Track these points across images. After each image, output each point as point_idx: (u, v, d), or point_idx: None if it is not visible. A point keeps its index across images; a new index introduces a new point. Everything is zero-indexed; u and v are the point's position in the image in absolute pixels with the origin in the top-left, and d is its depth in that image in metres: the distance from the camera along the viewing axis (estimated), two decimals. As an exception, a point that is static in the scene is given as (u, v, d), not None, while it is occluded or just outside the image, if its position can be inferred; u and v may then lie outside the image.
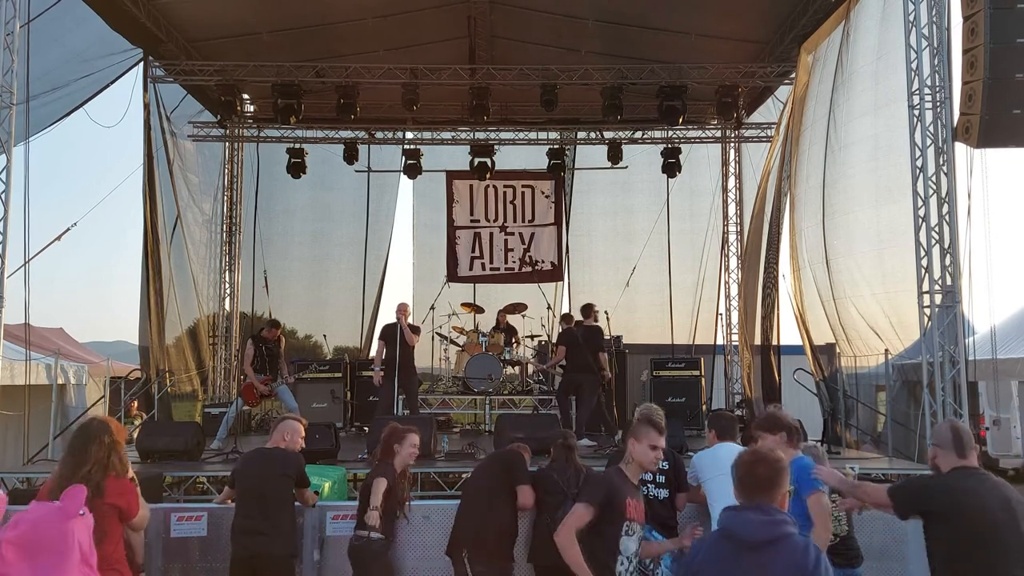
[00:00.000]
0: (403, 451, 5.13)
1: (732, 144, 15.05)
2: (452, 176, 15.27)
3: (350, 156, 14.46)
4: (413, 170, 14.61)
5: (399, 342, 9.24)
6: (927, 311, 8.13)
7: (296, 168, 14.22)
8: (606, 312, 10.68)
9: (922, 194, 8.13)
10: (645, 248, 15.30)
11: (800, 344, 11.35)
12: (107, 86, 10.76)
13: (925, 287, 8.14)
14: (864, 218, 10.06)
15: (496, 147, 14.69)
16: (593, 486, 3.86)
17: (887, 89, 9.46)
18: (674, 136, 14.70)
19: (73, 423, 8.88)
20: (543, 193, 15.30)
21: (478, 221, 15.31)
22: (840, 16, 10.44)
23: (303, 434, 5.27)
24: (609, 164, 14.70)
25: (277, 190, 15.23)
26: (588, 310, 9.93)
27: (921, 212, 8.15)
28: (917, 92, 8.18)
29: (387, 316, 10.75)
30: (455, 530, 5.04)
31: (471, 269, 15.21)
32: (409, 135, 15.24)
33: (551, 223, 15.30)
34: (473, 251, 15.24)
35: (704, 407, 11.92)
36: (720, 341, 15.14)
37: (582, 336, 9.59)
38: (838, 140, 10.53)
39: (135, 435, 8.86)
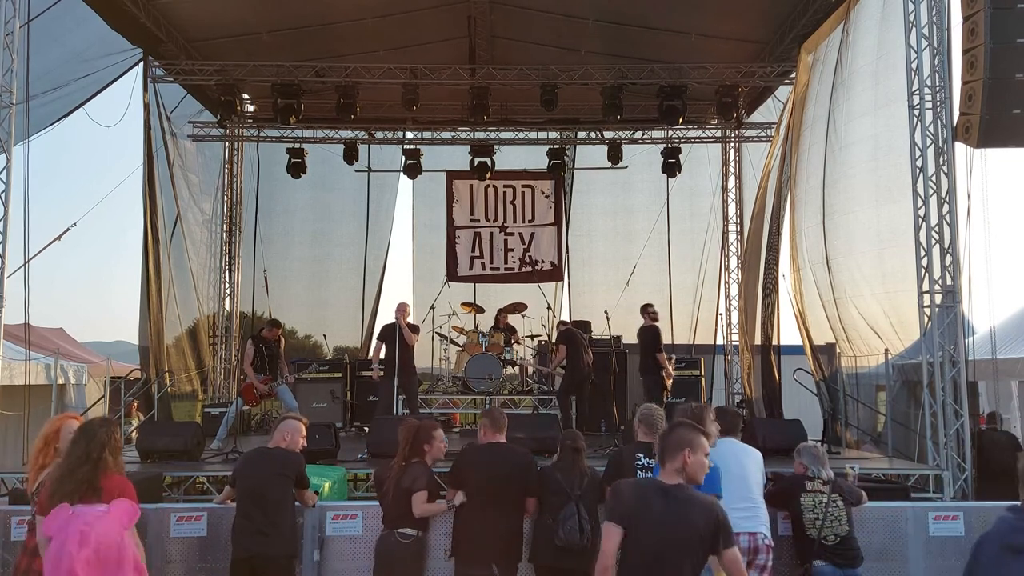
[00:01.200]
0: (433, 449, 5.13)
1: (732, 144, 15.06)
2: (452, 176, 15.27)
3: (350, 156, 14.46)
4: (413, 170, 14.61)
5: (399, 342, 9.24)
6: (927, 311, 8.13)
7: (296, 168, 14.22)
8: (606, 312, 10.69)
9: (922, 194, 8.12)
10: (645, 248, 15.30)
11: (800, 344, 11.35)
12: (107, 86, 10.76)
13: (925, 287, 8.14)
14: (864, 218, 10.06)
15: (496, 147, 14.69)
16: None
17: (887, 89, 9.45)
18: (674, 136, 14.69)
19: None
20: (543, 193, 15.30)
21: (478, 221, 15.31)
22: (840, 16, 10.44)
23: (304, 434, 5.27)
24: (609, 164, 14.70)
25: (277, 190, 15.24)
26: (645, 310, 10.03)
27: (921, 212, 8.14)
28: (917, 92, 8.18)
29: (387, 316, 10.76)
30: (473, 535, 4.86)
31: (471, 269, 15.21)
32: (409, 135, 15.24)
33: (551, 223, 15.29)
34: (473, 251, 15.24)
35: (704, 407, 11.90)
36: (720, 341, 15.14)
37: (642, 335, 9.74)
38: (838, 140, 10.53)
39: (133, 435, 8.85)
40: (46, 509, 3.69)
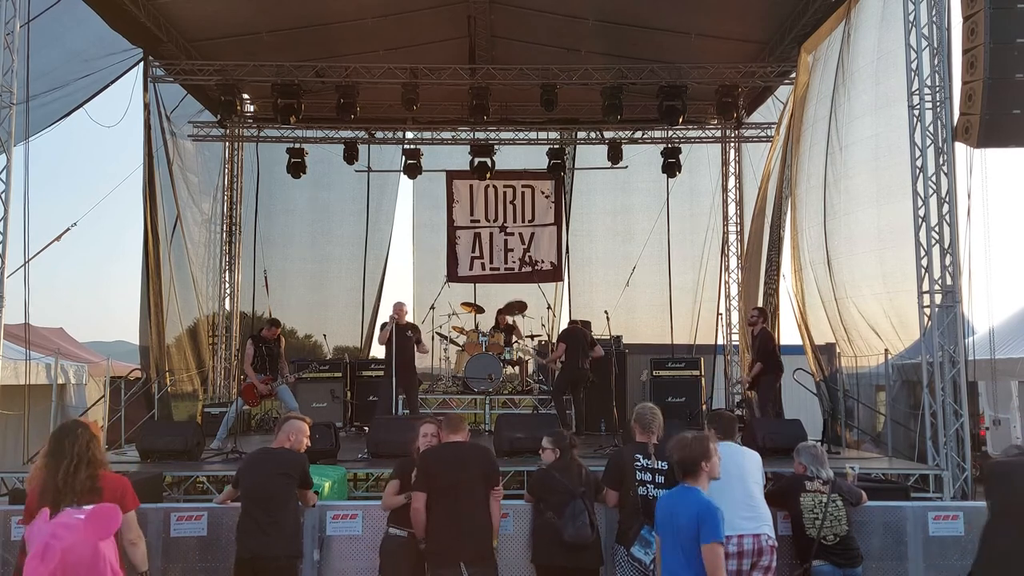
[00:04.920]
0: (419, 443, 5.15)
1: (732, 144, 15.06)
2: (452, 176, 15.28)
3: (350, 156, 14.46)
4: (413, 170, 14.61)
5: (396, 342, 9.25)
6: (927, 311, 8.13)
7: (296, 168, 14.23)
8: (606, 312, 10.68)
9: (922, 194, 8.12)
10: (645, 248, 15.31)
11: (800, 344, 11.35)
12: (107, 86, 10.77)
13: (925, 287, 8.14)
14: (865, 218, 10.06)
15: (496, 147, 14.69)
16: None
17: (887, 89, 9.45)
18: (674, 136, 14.70)
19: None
20: (543, 193, 15.31)
21: (478, 221, 15.31)
22: (840, 16, 10.44)
23: (308, 433, 5.27)
24: (609, 164, 14.71)
25: (277, 190, 15.26)
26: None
27: (921, 212, 8.14)
28: (917, 92, 8.18)
29: (386, 316, 10.75)
30: (440, 535, 4.75)
31: (471, 269, 15.22)
32: (409, 135, 15.25)
33: (551, 223, 15.30)
34: (473, 251, 15.25)
35: (704, 407, 11.92)
36: (720, 341, 15.13)
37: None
38: (839, 140, 10.53)
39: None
40: (50, 516, 3.61)
